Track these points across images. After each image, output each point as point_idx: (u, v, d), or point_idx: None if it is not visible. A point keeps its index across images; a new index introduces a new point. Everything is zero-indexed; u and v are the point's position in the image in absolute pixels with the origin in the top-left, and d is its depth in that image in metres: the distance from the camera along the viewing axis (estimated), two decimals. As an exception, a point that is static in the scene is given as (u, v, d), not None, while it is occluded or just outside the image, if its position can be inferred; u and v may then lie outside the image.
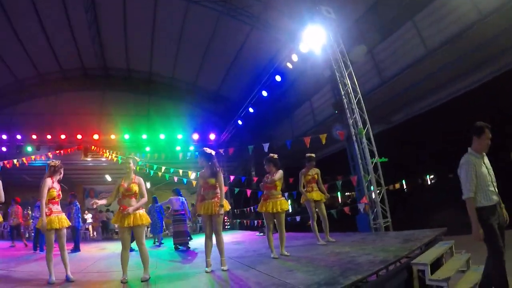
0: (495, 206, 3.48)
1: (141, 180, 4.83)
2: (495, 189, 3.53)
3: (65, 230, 4.87)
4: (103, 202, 4.75)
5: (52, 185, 4.76)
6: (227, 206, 5.01)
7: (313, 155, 6.70)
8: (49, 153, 14.66)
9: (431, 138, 22.17)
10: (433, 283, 3.82)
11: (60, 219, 4.74)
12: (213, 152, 5.20)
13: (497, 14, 7.93)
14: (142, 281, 4.43)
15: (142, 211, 4.69)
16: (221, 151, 9.86)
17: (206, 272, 4.72)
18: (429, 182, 29.24)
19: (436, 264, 4.26)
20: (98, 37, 14.38)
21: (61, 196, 4.93)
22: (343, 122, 10.79)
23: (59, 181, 4.98)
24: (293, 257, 5.31)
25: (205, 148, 5.26)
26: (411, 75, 10.56)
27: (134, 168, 4.92)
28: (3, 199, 4.68)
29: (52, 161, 5.01)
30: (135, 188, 4.68)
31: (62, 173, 5.02)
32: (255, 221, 14.02)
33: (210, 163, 5.04)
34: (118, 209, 4.71)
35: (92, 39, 14.17)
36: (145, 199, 4.81)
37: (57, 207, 4.81)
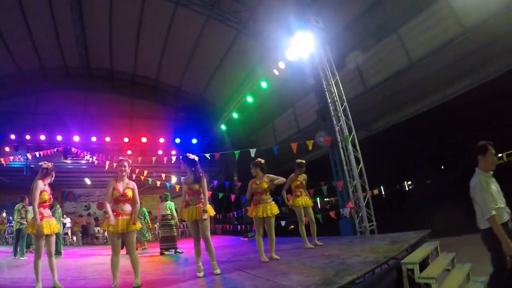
0: (506, 224, 3.57)
1: (135, 185, 4.69)
2: (505, 206, 3.63)
3: (54, 237, 4.68)
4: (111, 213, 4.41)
5: (44, 188, 4.60)
6: (211, 211, 4.98)
7: (304, 161, 6.80)
8: (28, 154, 14.19)
9: (410, 146, 22.91)
10: (422, 281, 3.97)
11: (51, 224, 4.55)
12: (197, 158, 5.16)
13: (479, 30, 8.38)
14: (134, 287, 4.30)
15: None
16: (208, 155, 9.83)
17: (199, 277, 4.67)
18: (407, 188, 30.10)
19: (423, 264, 4.41)
20: (83, 36, 14.15)
21: (52, 199, 4.77)
22: (326, 129, 11.03)
23: (49, 184, 4.80)
24: (284, 260, 5.32)
25: (188, 154, 5.22)
26: (393, 84, 10.94)
27: (129, 171, 4.76)
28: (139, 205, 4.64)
29: (45, 163, 4.82)
30: (130, 193, 4.54)
31: (54, 176, 4.86)
32: (238, 226, 14.02)
33: (193, 169, 5.00)
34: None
35: (76, 37, 13.95)
36: (138, 205, 4.70)
37: (47, 211, 4.64)
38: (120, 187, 4.51)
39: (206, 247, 4.87)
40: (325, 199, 33.45)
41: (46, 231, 4.43)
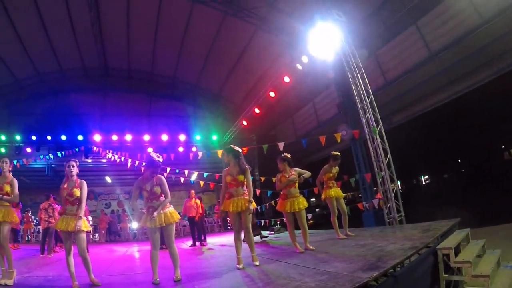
0: None
1: (163, 179, 4.59)
2: None
3: (83, 235, 4.43)
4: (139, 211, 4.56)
5: (63, 186, 4.55)
6: (253, 203, 5.04)
7: (339, 153, 6.88)
8: (50, 154, 14.50)
9: (427, 140, 22.73)
10: (457, 265, 4.10)
11: (68, 221, 4.35)
12: (241, 150, 5.26)
13: (498, 19, 8.33)
14: (175, 281, 4.23)
15: (171, 208, 4.55)
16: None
17: (238, 268, 4.62)
18: (424, 183, 29.81)
19: (455, 251, 4.43)
20: (100, 36, 14.33)
21: (74, 195, 4.44)
22: (347, 122, 11.06)
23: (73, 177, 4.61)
24: (320, 250, 5.33)
25: (232, 146, 5.31)
26: (414, 77, 10.89)
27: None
28: (17, 199, 4.73)
29: None
30: (159, 190, 4.50)
31: (68, 170, 4.60)
32: (261, 221, 14.09)
33: (238, 160, 5.05)
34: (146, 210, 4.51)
35: (95, 38, 14.11)
36: (168, 199, 4.59)
37: (71, 208, 4.44)
38: (148, 186, 4.50)
39: (247, 238, 4.92)
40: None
41: (59, 226, 4.35)
